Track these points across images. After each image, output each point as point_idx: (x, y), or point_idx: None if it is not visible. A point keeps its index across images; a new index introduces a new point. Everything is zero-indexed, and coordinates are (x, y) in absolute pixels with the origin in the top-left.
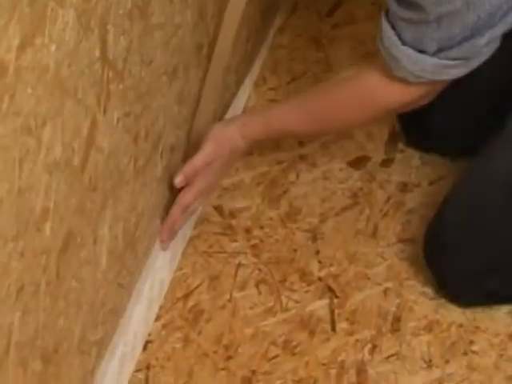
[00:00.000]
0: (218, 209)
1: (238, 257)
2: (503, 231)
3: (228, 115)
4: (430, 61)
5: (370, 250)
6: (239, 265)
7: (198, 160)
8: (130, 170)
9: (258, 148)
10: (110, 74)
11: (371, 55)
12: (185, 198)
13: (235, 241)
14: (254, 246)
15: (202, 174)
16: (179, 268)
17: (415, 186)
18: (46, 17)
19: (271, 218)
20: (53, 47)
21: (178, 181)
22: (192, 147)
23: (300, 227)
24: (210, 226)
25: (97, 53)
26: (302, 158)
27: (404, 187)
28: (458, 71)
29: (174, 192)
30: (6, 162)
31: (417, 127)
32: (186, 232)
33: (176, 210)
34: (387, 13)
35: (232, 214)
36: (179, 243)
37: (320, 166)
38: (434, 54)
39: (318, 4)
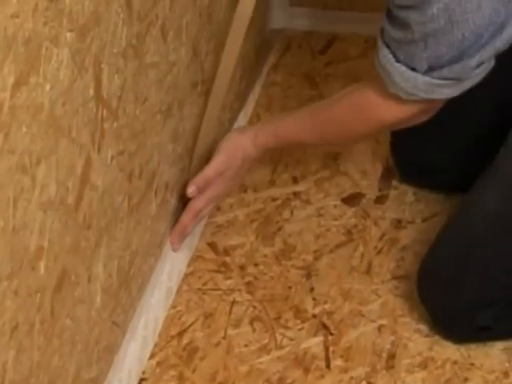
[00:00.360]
0: (212, 246)
1: (233, 294)
2: (494, 266)
3: None
4: (421, 79)
5: (365, 286)
6: (234, 302)
7: (211, 170)
8: (124, 207)
9: (252, 185)
10: (105, 113)
11: None
12: (196, 204)
13: (229, 278)
14: (248, 284)
15: (214, 183)
16: (173, 305)
17: (409, 222)
18: (41, 56)
19: (265, 255)
20: (47, 86)
21: (191, 191)
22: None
23: (294, 264)
24: (205, 263)
25: (91, 91)
26: (296, 194)
27: (398, 224)
28: (450, 91)
29: (184, 200)
30: (1, 201)
31: (410, 163)
32: (180, 269)
33: (187, 216)
34: (382, 32)
35: (226, 252)
36: (174, 280)
37: (314, 203)
38: (425, 73)
39: (311, 42)
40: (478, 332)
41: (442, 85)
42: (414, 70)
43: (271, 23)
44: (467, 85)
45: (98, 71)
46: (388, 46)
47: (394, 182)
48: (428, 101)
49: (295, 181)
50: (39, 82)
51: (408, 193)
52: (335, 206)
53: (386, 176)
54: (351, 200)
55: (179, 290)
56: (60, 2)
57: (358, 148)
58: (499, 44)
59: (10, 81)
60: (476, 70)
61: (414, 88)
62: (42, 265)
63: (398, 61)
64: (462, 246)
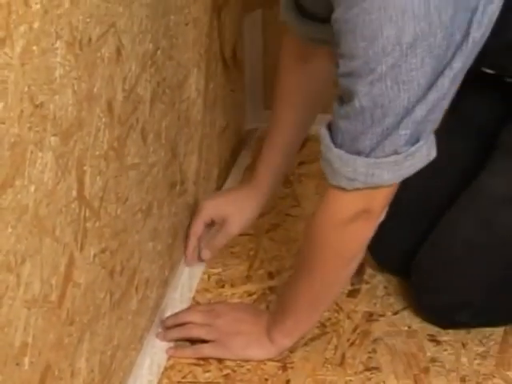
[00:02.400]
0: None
1: None
2: (474, 278)
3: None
4: (360, 161)
5: (338, 378)
6: None
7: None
8: (106, 303)
9: (229, 280)
10: (87, 213)
11: None
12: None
13: (208, 371)
14: (226, 376)
15: None
16: None
17: (380, 315)
18: (26, 159)
19: None
20: (32, 188)
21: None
22: None
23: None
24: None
25: (74, 193)
26: (272, 289)
27: (370, 317)
28: (388, 176)
29: None
30: None
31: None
32: (160, 363)
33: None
34: (329, 122)
35: None
36: (154, 374)
37: None
38: (367, 155)
39: None
40: (455, 325)
41: (380, 165)
42: (356, 153)
43: (246, 125)
44: (405, 170)
45: (80, 173)
46: (330, 131)
47: (366, 277)
48: (369, 192)
49: (271, 276)
50: (24, 184)
51: (379, 287)
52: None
53: (358, 271)
54: None
55: (159, 383)
56: (44, 107)
57: None
58: (420, 112)
59: None
60: (409, 146)
61: (355, 172)
62: (26, 360)
63: (337, 146)
64: (442, 264)
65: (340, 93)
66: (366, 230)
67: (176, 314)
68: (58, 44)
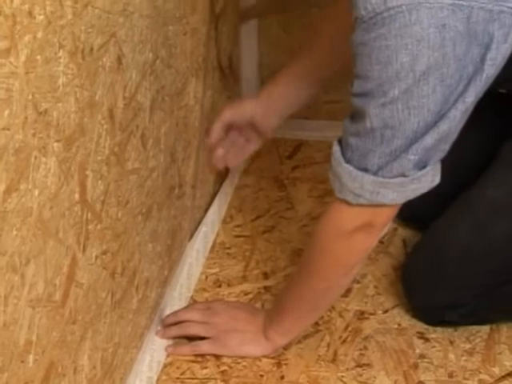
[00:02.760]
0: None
1: (209, 383)
2: (463, 281)
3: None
4: (367, 178)
5: (331, 374)
6: None
7: None
8: (107, 303)
9: (226, 280)
10: (89, 216)
11: (329, 193)
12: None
13: (206, 368)
14: (223, 372)
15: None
16: None
17: (371, 314)
18: (30, 164)
19: None
20: (36, 192)
21: None
22: None
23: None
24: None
25: (76, 196)
26: (267, 289)
27: (361, 315)
28: (393, 196)
29: None
30: None
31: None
32: (160, 360)
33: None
34: (340, 138)
35: None
36: (154, 370)
37: None
38: (374, 173)
39: (279, 148)
40: (444, 323)
41: (386, 185)
42: (364, 170)
43: None
44: (410, 193)
45: (82, 178)
46: (341, 146)
47: (357, 277)
48: (373, 209)
49: (266, 276)
50: (28, 188)
51: (370, 286)
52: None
53: None
54: None
55: (159, 379)
56: (48, 114)
57: None
58: (429, 140)
59: (2, 188)
60: (416, 170)
61: (361, 189)
62: (30, 358)
63: (346, 162)
64: (435, 266)
65: (352, 111)
66: (367, 243)
67: (175, 313)
68: (60, 53)
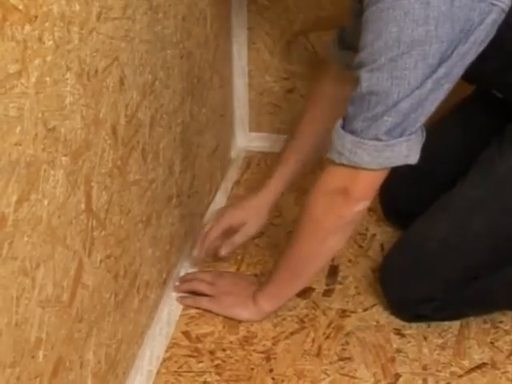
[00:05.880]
0: (186, 334)
1: (204, 375)
2: (437, 276)
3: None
4: (349, 137)
5: (316, 367)
6: (204, 382)
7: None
8: (111, 303)
9: None
10: (94, 223)
11: None
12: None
13: (201, 362)
14: (217, 366)
15: None
16: None
17: (352, 312)
18: (40, 176)
19: (231, 342)
20: (45, 202)
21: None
22: None
23: (256, 349)
24: (180, 349)
25: (82, 205)
26: None
27: (343, 313)
28: (368, 159)
29: None
30: (5, 299)
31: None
32: (159, 355)
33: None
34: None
35: (198, 339)
36: (154, 365)
37: None
38: (356, 134)
39: (268, 161)
40: (418, 318)
41: (362, 145)
42: (350, 132)
43: (234, 146)
44: (383, 160)
45: (88, 188)
46: (343, 120)
47: (339, 278)
48: (352, 172)
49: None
50: (38, 198)
51: (351, 287)
52: (289, 299)
53: (332, 273)
54: (303, 293)
55: (158, 372)
56: (56, 131)
57: None
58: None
59: (14, 198)
60: (389, 137)
61: (343, 147)
62: (40, 354)
63: (341, 127)
64: (413, 260)
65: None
66: (343, 210)
67: (192, 272)
68: (68, 75)
